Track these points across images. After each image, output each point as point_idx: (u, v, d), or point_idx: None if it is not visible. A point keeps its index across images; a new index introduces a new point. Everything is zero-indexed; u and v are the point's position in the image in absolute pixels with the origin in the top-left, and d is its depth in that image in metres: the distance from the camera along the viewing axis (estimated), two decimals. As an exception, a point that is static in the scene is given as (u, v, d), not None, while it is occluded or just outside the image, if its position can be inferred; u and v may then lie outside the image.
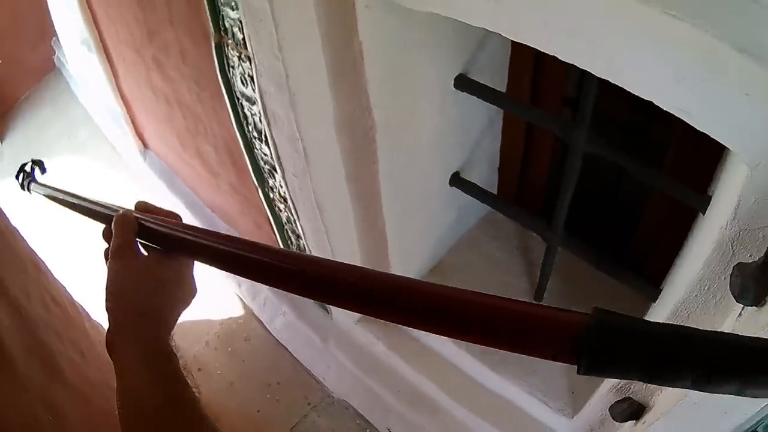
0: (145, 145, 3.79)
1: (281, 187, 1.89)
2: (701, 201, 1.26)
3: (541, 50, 1.01)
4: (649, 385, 1.34)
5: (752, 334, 0.61)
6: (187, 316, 2.84)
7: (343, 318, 2.41)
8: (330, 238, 1.86)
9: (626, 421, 1.44)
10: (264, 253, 0.74)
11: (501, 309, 0.54)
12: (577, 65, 0.98)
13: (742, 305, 0.91)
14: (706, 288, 1.07)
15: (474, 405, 2.07)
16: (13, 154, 5.04)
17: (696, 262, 1.07)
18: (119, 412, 0.73)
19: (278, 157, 1.71)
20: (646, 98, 0.93)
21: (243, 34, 1.46)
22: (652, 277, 1.65)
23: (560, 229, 1.72)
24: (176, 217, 0.90)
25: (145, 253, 0.87)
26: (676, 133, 1.56)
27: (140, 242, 0.86)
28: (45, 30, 5.85)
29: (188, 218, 3.34)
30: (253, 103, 1.66)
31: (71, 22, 4.88)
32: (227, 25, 1.53)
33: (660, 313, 1.41)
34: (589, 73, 1.00)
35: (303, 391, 2.77)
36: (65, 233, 3.29)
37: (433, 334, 1.79)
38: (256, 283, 2.52)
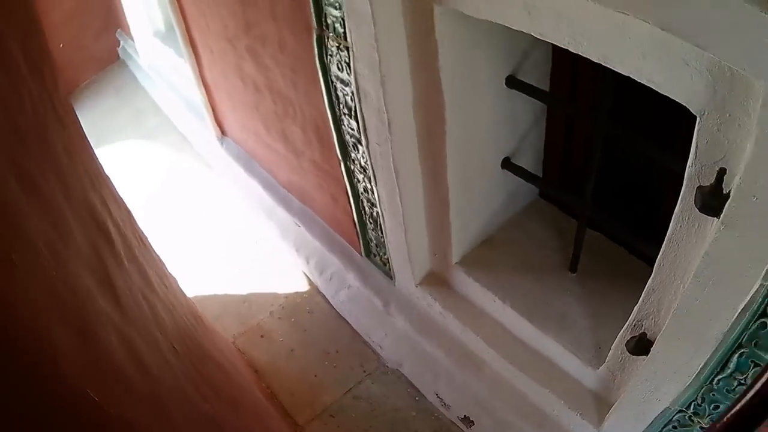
0: (223, 132, 4.65)
1: (363, 158, 2.68)
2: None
3: (558, 45, 1.73)
4: (657, 320, 2.02)
5: (728, 248, 1.36)
6: (253, 288, 3.80)
7: (405, 283, 3.17)
8: (402, 200, 2.64)
9: (640, 354, 2.08)
10: None
11: None
12: (582, 54, 1.68)
13: (715, 233, 1.49)
14: (687, 219, 1.68)
15: (515, 359, 2.75)
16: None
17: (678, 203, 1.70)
18: None
19: (365, 129, 2.50)
20: (626, 74, 1.60)
21: (344, 28, 2.23)
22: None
23: (588, 200, 2.42)
24: None
25: None
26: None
27: None
28: (109, 21, 6.75)
29: (264, 198, 4.22)
30: (346, 84, 2.44)
31: (145, 16, 5.78)
32: (329, 21, 2.31)
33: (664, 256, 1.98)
34: (603, 71, 1.71)
35: (359, 360, 3.49)
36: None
37: (483, 295, 2.55)
38: (323, 258, 3.39)
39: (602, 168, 2.31)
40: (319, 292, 3.87)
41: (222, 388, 2.37)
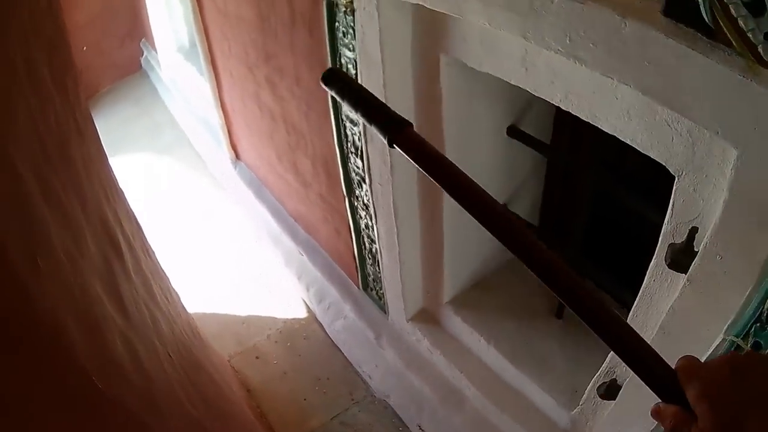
0: (237, 155, 4.82)
1: (366, 195, 2.84)
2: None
3: (550, 101, 1.88)
4: (626, 367, 2.12)
5: (692, 303, 1.50)
6: (253, 310, 3.96)
7: (397, 318, 3.31)
8: (399, 239, 2.79)
9: (609, 399, 2.19)
10: None
11: None
12: (572, 112, 1.83)
13: (681, 288, 1.60)
14: (660, 273, 1.79)
15: (495, 397, 2.87)
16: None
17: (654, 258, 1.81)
18: None
19: (368, 168, 2.66)
20: (611, 133, 1.73)
21: (356, 70, 2.39)
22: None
23: (578, 248, 2.56)
24: None
25: None
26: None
27: None
28: (134, 29, 6.84)
29: (272, 225, 4.37)
30: (355, 124, 2.61)
31: (170, 29, 5.88)
32: (343, 61, 2.47)
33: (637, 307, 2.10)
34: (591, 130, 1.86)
35: (349, 388, 3.61)
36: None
37: (470, 335, 2.70)
38: (322, 288, 3.53)
39: (598, 217, 2.45)
40: (317, 320, 4.01)
41: (212, 399, 2.49)
